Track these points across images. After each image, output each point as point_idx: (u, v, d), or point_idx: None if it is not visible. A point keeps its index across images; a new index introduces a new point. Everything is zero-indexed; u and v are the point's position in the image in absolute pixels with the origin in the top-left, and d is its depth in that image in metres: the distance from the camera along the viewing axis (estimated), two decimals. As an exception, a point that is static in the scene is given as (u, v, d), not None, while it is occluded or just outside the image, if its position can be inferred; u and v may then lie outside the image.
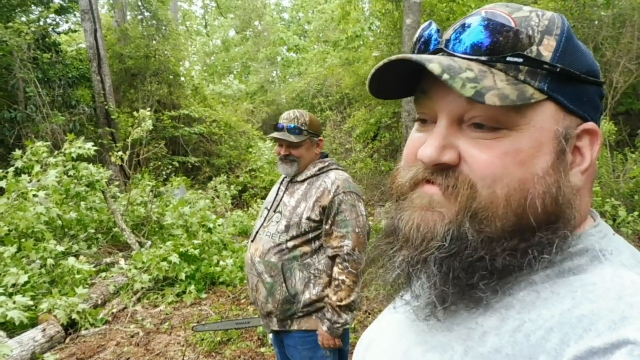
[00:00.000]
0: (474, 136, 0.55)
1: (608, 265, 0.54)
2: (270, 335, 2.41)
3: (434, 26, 0.60)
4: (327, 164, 2.23)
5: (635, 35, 7.51)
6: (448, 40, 0.58)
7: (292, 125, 2.17)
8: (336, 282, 2.02)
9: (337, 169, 2.22)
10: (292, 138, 2.15)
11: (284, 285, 2.03)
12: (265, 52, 20.93)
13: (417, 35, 0.63)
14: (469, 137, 0.56)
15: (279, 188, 2.27)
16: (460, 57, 0.55)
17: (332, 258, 2.07)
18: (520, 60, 0.53)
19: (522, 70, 0.53)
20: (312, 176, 2.18)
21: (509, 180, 0.53)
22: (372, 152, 11.81)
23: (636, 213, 5.91)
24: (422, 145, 0.57)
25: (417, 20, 8.67)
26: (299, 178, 2.19)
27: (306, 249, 2.06)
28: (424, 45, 0.61)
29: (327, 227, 2.07)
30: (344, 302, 2.00)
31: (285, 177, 2.27)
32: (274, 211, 2.18)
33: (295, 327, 2.08)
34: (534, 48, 0.54)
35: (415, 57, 0.53)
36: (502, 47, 0.53)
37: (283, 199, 2.18)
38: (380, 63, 0.57)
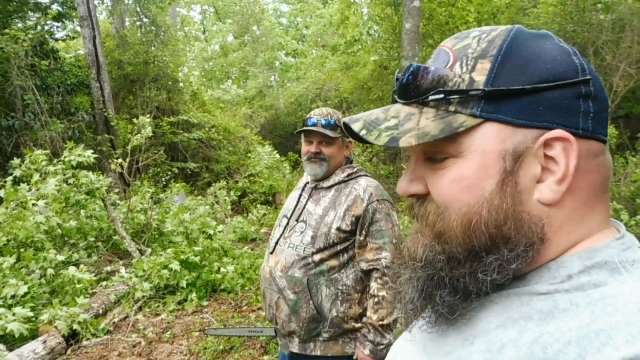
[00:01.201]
0: (431, 167, 0.61)
1: (629, 278, 0.52)
2: (279, 354, 2.21)
3: (399, 74, 0.64)
4: (355, 169, 2.05)
5: (634, 40, 7.52)
6: (395, 89, 0.64)
7: (327, 121, 1.98)
8: (376, 299, 1.83)
9: (366, 175, 2.05)
10: (329, 132, 1.97)
11: (310, 302, 1.84)
12: (264, 57, 20.96)
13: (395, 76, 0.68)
14: (429, 169, 0.61)
15: (300, 195, 2.07)
16: (401, 102, 0.62)
17: (367, 272, 1.89)
18: (441, 96, 0.57)
19: (453, 102, 0.57)
20: (340, 182, 2.00)
21: (458, 205, 0.57)
22: (371, 156, 11.81)
23: (639, 217, 5.89)
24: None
25: (417, 24, 8.68)
26: (325, 184, 2.01)
27: (334, 262, 1.88)
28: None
29: (362, 238, 1.89)
30: (386, 321, 1.81)
31: (308, 182, 2.09)
32: (297, 220, 1.98)
33: (318, 352, 1.90)
34: (466, 77, 0.56)
35: (347, 119, 0.64)
36: (425, 88, 0.58)
37: (307, 207, 1.99)
38: (343, 121, 0.67)
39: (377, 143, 0.58)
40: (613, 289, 0.51)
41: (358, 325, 1.91)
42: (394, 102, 0.65)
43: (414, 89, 0.59)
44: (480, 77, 0.55)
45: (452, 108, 0.56)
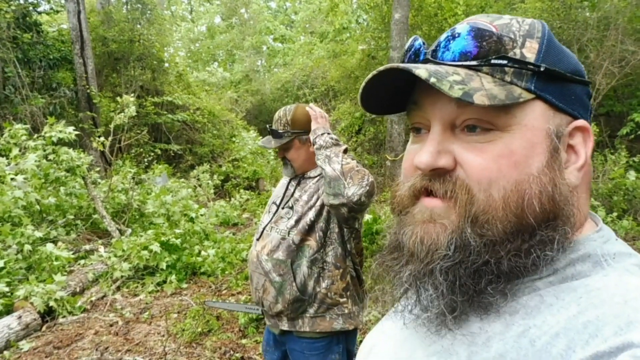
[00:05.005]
0: (467, 140, 0.57)
1: (611, 271, 0.54)
2: (265, 336, 2.23)
3: (419, 40, 0.63)
4: None
5: (618, 39, 7.61)
6: (434, 50, 0.60)
7: (274, 128, 2.03)
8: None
9: None
10: (272, 143, 2.02)
11: (293, 284, 1.89)
12: (251, 41, 20.74)
13: (407, 45, 0.65)
14: (463, 142, 0.57)
15: (289, 182, 2.12)
16: (447, 64, 0.57)
17: (331, 208, 1.82)
18: (505, 62, 0.55)
19: (508, 72, 0.55)
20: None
21: (505, 182, 0.54)
22: (357, 145, 11.83)
23: (615, 214, 6.02)
24: (418, 153, 0.59)
25: (406, 15, 8.66)
26: (312, 174, 2.05)
27: (313, 243, 1.92)
28: (414, 55, 0.63)
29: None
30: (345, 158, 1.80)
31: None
32: (284, 207, 2.03)
33: (307, 328, 1.94)
34: (517, 51, 0.56)
35: (403, 65, 0.55)
36: (486, 51, 0.55)
37: (294, 194, 2.04)
38: (370, 75, 0.58)
39: (452, 94, 0.51)
40: (598, 282, 0.52)
41: (343, 300, 1.95)
42: (425, 62, 0.61)
43: (475, 51, 0.56)
44: (530, 55, 0.56)
45: (507, 78, 0.55)
